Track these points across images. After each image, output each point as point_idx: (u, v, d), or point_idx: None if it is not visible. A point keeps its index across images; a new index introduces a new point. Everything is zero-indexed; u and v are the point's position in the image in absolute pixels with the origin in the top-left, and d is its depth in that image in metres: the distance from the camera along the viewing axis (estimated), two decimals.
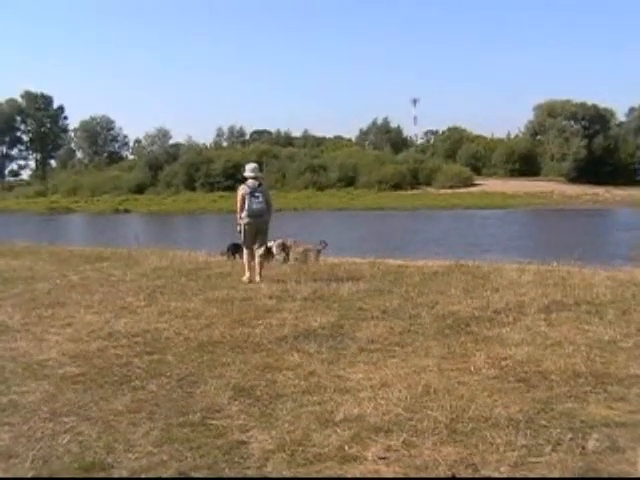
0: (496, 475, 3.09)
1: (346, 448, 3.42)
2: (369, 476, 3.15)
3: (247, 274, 8.83)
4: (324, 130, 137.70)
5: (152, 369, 4.88)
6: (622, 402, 3.94)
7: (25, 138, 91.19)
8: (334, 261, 11.03)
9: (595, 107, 71.60)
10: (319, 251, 11.55)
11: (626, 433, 3.43)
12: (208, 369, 4.87)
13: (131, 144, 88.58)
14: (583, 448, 3.34)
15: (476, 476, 3.11)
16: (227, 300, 7.33)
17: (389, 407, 3.94)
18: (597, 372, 4.43)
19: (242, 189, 8.97)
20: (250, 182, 8.97)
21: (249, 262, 8.97)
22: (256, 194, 8.90)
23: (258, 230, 9.03)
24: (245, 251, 9.11)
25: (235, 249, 11.20)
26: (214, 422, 3.84)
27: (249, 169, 9.13)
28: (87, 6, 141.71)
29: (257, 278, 8.75)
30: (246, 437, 3.63)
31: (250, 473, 3.25)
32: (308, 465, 3.27)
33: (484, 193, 60.69)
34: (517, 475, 3.10)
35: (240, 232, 9.10)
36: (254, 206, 8.87)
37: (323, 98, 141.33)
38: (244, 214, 8.89)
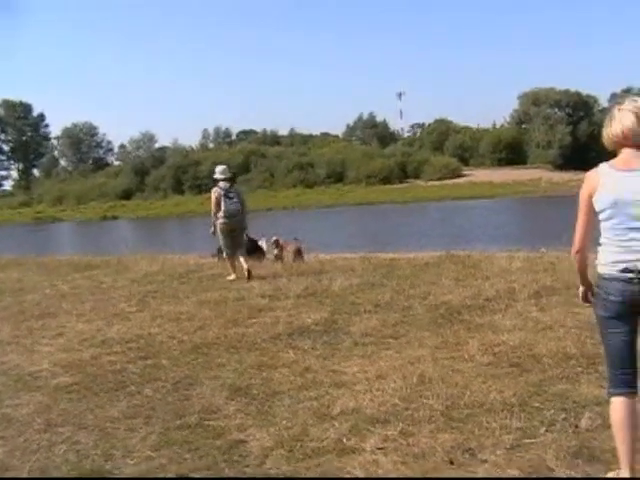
0: (492, 458, 3.13)
1: (344, 441, 3.45)
2: (367, 467, 3.17)
3: (232, 275, 8.90)
4: (311, 127, 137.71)
5: (147, 374, 4.88)
6: None
7: (6, 148, 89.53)
8: (325, 257, 11.04)
9: (578, 94, 71.96)
10: (299, 249, 11.53)
11: None
12: (203, 371, 4.87)
13: (116, 149, 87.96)
14: (576, 427, 3.40)
15: (473, 462, 3.14)
16: (220, 301, 7.32)
17: (385, 398, 3.96)
18: (588, 353, 4.47)
19: (215, 191, 9.14)
20: (222, 184, 9.14)
21: (232, 262, 9.05)
22: (230, 195, 9.09)
23: (234, 230, 9.15)
24: (225, 251, 9.23)
25: None
26: (212, 423, 3.85)
27: (219, 171, 9.30)
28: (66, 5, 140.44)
29: (232, 276, 8.83)
30: (244, 436, 3.64)
31: (249, 471, 3.26)
32: (307, 460, 3.29)
33: (472, 184, 60.85)
34: (513, 458, 3.13)
35: (214, 234, 9.25)
36: (231, 207, 9.04)
37: (308, 95, 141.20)
38: (220, 215, 9.03)
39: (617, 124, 2.79)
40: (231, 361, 5.04)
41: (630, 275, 2.69)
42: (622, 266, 2.71)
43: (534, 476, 2.98)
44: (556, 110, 71.26)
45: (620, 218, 2.72)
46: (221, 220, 9.05)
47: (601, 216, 2.78)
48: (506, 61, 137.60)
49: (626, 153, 2.78)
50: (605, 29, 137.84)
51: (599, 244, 2.84)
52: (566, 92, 71.48)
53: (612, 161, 2.82)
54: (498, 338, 5.02)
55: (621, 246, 2.73)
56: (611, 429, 2.85)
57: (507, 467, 3.05)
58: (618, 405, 2.78)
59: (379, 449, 3.33)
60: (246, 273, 8.79)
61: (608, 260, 2.77)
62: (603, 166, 2.82)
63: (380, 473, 3.12)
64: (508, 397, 3.83)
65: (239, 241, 9.30)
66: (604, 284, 2.79)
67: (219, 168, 9.39)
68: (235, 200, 9.10)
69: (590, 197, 2.79)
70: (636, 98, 2.84)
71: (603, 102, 74.68)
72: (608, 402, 2.89)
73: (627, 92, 69.26)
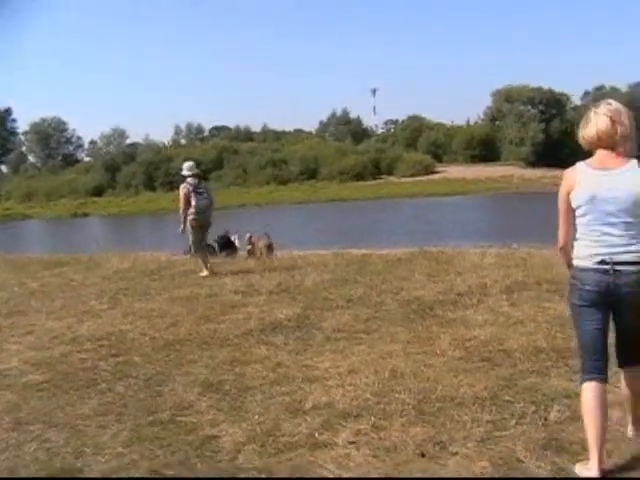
0: (463, 451, 3.17)
1: (316, 435, 3.46)
2: (339, 461, 3.18)
3: (205, 271, 8.88)
4: (284, 124, 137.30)
5: (118, 371, 4.82)
6: None
7: None
8: (298, 253, 11.03)
9: (551, 91, 72.90)
10: (270, 245, 11.54)
11: None
12: (175, 367, 4.83)
13: (86, 145, 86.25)
14: (545, 419, 3.46)
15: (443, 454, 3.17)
16: (192, 297, 7.28)
17: (357, 393, 3.98)
18: (558, 347, 4.55)
19: (184, 187, 9.12)
20: (190, 180, 9.14)
21: (203, 258, 9.03)
22: (200, 190, 9.12)
23: (203, 225, 9.19)
24: (196, 247, 9.23)
25: None
26: (184, 419, 3.83)
27: (187, 167, 9.33)
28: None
29: (204, 272, 8.82)
30: (217, 431, 3.63)
31: (222, 466, 3.25)
32: (279, 454, 3.30)
33: (445, 180, 61.37)
34: (483, 450, 3.18)
35: (183, 231, 9.24)
36: (201, 202, 9.07)
37: (281, 92, 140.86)
38: (191, 211, 9.02)
39: (592, 127, 2.93)
40: (203, 357, 5.02)
41: (606, 267, 2.84)
42: (598, 259, 2.86)
43: (504, 469, 3.02)
44: (529, 107, 72.13)
45: (595, 214, 2.86)
46: (192, 216, 9.05)
47: (577, 212, 2.91)
48: (480, 58, 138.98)
49: (601, 154, 2.92)
50: (583, 29, 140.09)
51: (575, 239, 2.97)
52: (539, 89, 72.42)
53: (588, 160, 2.97)
54: (469, 333, 5.08)
55: (597, 240, 2.87)
56: (579, 421, 2.91)
57: (477, 459, 3.09)
58: (589, 391, 2.88)
59: (351, 443, 3.35)
60: (204, 270, 8.87)
61: (585, 253, 2.91)
62: (580, 165, 2.96)
63: (352, 467, 3.14)
64: (479, 391, 3.88)
65: (206, 237, 9.49)
66: (580, 275, 2.92)
67: (186, 164, 9.41)
68: (205, 195, 9.16)
69: (568, 194, 2.93)
70: (611, 101, 2.97)
71: (576, 100, 76.06)
72: (577, 395, 2.95)
73: (599, 90, 70.63)
